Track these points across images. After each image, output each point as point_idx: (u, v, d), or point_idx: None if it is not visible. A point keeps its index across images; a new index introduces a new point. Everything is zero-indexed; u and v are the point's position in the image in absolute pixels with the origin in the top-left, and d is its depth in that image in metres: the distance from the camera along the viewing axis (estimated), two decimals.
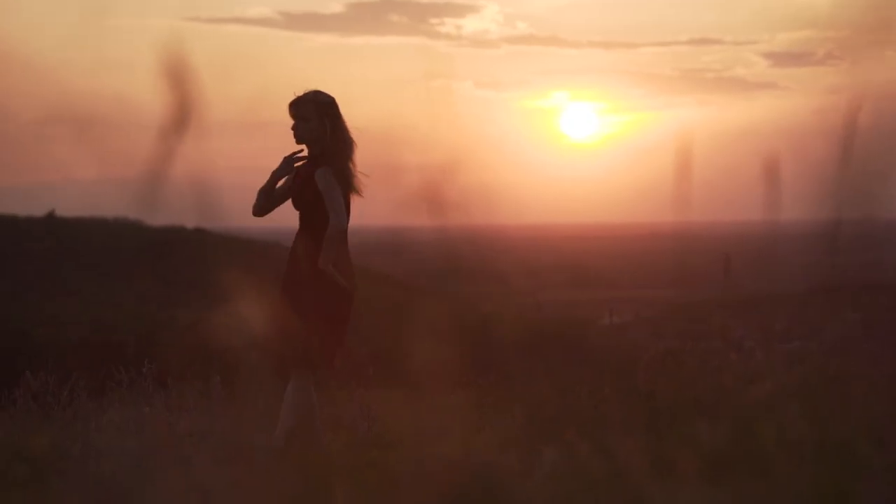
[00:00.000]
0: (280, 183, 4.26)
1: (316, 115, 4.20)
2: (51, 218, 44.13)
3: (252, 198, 4.26)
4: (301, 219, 4.24)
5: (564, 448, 2.38)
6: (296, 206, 4.22)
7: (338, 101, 4.28)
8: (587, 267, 51.15)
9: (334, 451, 3.98)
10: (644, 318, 31.93)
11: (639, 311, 34.12)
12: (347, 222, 4.19)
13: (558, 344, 19.70)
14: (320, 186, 4.07)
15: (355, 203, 4.23)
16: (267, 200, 4.27)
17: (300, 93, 4.23)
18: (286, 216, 4.32)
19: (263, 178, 4.27)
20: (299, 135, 4.25)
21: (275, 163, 4.28)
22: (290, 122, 4.27)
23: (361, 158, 4.29)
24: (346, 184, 4.20)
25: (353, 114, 4.39)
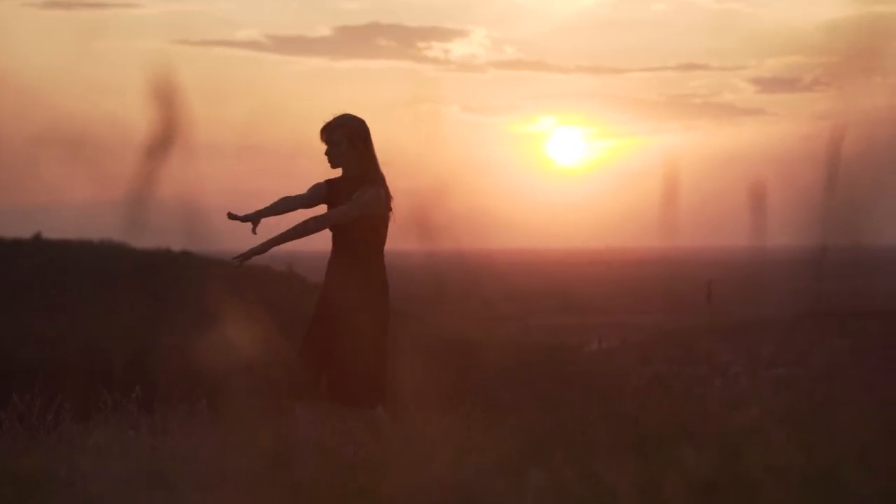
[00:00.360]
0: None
1: (347, 139, 4.22)
2: (37, 240, 43.95)
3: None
4: (337, 241, 4.26)
5: (552, 472, 2.38)
6: (335, 227, 4.22)
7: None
8: (575, 292, 51.16)
9: (321, 477, 3.96)
10: (632, 344, 31.89)
11: (627, 336, 34.12)
12: (384, 243, 4.27)
13: (546, 368, 19.70)
14: (363, 199, 4.09)
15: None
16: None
17: (330, 118, 4.25)
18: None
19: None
20: (333, 160, 4.27)
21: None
22: (323, 148, 4.28)
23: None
24: (387, 205, 4.24)
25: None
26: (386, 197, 4.23)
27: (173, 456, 4.09)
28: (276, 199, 4.31)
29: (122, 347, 25.05)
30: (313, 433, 4.14)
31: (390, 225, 4.22)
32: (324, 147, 4.26)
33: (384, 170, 4.24)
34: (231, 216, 4.12)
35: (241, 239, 4.22)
